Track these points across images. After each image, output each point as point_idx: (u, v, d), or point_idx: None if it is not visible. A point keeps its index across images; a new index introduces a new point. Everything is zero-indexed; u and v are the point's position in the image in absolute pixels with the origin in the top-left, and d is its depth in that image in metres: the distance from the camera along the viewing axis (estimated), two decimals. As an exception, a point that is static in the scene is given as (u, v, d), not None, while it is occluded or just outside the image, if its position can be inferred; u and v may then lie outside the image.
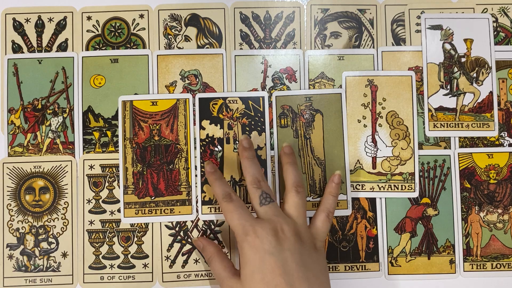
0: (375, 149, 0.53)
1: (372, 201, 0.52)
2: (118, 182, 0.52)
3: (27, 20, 0.54)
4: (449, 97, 0.53)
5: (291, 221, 0.46)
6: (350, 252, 0.52)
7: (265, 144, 0.52)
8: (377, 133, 0.53)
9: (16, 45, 0.53)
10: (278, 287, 0.42)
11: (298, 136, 0.53)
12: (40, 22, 0.54)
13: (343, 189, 0.52)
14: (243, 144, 0.50)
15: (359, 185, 0.52)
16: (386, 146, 0.53)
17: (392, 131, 0.53)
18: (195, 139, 0.53)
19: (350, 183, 0.52)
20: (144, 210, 0.52)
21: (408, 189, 0.52)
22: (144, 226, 0.52)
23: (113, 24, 0.54)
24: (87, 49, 0.53)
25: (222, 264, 0.47)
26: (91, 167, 0.52)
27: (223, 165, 0.52)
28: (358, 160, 0.52)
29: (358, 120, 0.53)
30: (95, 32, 0.54)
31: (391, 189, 0.52)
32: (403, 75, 0.53)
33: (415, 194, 0.52)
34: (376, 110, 0.53)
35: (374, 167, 0.52)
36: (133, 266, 0.52)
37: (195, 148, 0.52)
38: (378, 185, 0.52)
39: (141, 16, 0.54)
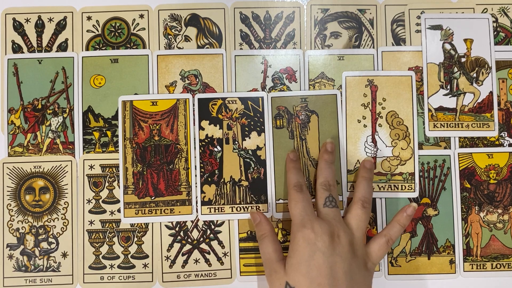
0: (375, 149, 0.52)
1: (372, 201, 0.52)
2: (118, 182, 0.52)
3: (27, 20, 0.53)
4: (449, 97, 0.53)
5: (349, 231, 0.46)
6: (350, 252, 0.52)
7: (265, 144, 0.52)
8: (377, 133, 0.52)
9: (16, 45, 0.53)
10: (320, 287, 0.42)
11: (293, 137, 0.52)
12: (40, 22, 0.53)
13: (339, 189, 0.51)
14: (327, 147, 0.50)
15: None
16: (386, 146, 0.52)
17: (392, 131, 0.52)
18: (195, 139, 0.52)
19: (351, 183, 0.52)
20: (144, 210, 0.51)
21: (408, 189, 0.52)
22: (144, 226, 0.52)
23: (113, 24, 0.53)
24: (87, 49, 0.53)
25: (273, 245, 0.47)
26: (91, 167, 0.52)
27: (223, 166, 0.52)
28: (358, 160, 0.52)
29: (358, 120, 0.52)
30: (95, 32, 0.53)
31: (391, 189, 0.52)
32: (403, 75, 0.52)
33: (415, 194, 0.52)
34: (376, 110, 0.52)
35: (374, 167, 0.52)
36: (133, 266, 0.52)
37: (195, 148, 0.52)
38: (378, 185, 0.52)
39: (141, 16, 0.53)
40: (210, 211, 0.51)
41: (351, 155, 0.52)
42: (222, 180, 0.52)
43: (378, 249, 0.47)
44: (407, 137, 0.52)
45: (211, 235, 0.52)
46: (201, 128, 0.52)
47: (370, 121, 0.52)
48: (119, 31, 0.53)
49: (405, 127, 0.52)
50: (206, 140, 0.52)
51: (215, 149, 0.52)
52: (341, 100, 0.52)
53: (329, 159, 0.50)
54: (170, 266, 0.52)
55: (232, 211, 0.51)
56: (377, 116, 0.52)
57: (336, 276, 0.43)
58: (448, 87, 0.53)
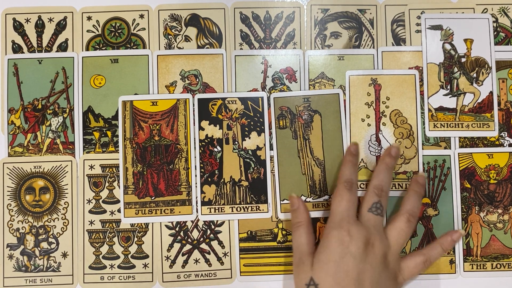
0: (379, 148, 0.49)
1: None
2: (118, 182, 0.49)
3: (27, 20, 0.50)
4: (449, 97, 0.50)
5: (386, 242, 0.43)
6: (350, 252, 0.49)
7: (265, 144, 0.49)
8: (381, 132, 0.49)
9: (16, 45, 0.50)
10: None
11: (297, 137, 0.49)
12: (40, 22, 0.50)
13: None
14: (392, 152, 0.46)
15: (363, 184, 0.49)
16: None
17: (396, 130, 0.49)
18: (195, 139, 0.49)
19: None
20: (144, 210, 0.49)
21: (412, 188, 0.49)
22: (144, 226, 0.49)
23: (113, 24, 0.50)
24: (87, 49, 0.50)
25: (307, 237, 0.43)
26: (91, 167, 0.49)
27: (223, 166, 0.49)
28: (362, 159, 0.49)
29: (362, 119, 0.49)
30: (95, 32, 0.50)
31: (396, 188, 0.49)
32: (406, 73, 0.50)
33: (420, 193, 0.49)
34: (379, 109, 0.49)
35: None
36: (133, 266, 0.49)
37: (195, 148, 0.49)
38: (382, 185, 0.49)
39: (141, 16, 0.50)
40: (210, 211, 0.49)
41: (355, 154, 0.49)
42: (222, 180, 0.49)
43: (414, 267, 0.44)
44: (411, 136, 0.49)
45: (211, 235, 0.49)
46: (201, 128, 0.49)
47: (374, 120, 0.49)
48: (119, 31, 0.50)
49: (409, 125, 0.49)
50: (206, 140, 0.49)
51: (215, 149, 0.49)
52: (345, 99, 0.50)
53: (389, 163, 0.45)
54: (170, 266, 0.49)
55: (232, 211, 0.49)
56: (381, 115, 0.49)
57: (362, 283, 0.40)
58: (448, 87, 0.50)
